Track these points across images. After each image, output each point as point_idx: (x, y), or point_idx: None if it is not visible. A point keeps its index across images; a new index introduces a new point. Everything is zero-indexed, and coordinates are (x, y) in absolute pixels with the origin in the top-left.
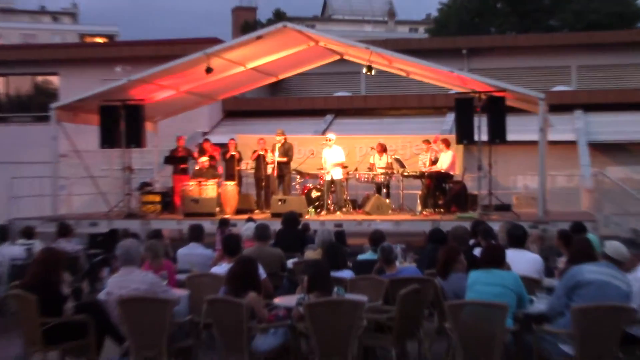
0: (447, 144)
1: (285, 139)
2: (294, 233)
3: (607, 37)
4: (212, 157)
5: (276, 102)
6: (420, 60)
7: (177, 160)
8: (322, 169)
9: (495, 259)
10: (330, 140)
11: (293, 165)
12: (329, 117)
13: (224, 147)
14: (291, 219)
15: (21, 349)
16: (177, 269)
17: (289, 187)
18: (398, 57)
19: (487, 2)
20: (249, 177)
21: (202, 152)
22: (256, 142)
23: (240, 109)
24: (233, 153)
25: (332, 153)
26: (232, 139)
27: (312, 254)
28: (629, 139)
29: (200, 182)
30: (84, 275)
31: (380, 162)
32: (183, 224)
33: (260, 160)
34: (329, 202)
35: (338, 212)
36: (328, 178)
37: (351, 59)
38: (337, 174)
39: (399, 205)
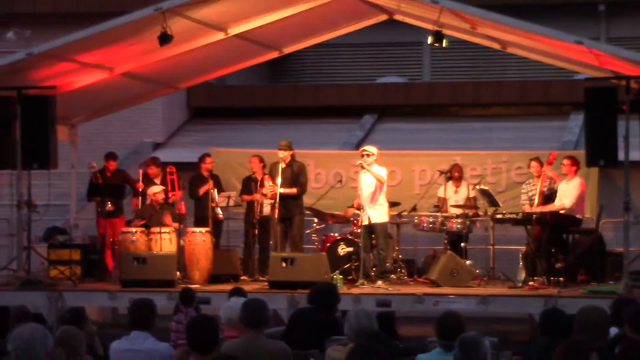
0: (572, 166)
1: (293, 156)
2: (323, 319)
3: None
4: (171, 186)
5: (279, 93)
6: (525, 23)
7: (107, 191)
8: (356, 207)
9: None
10: (368, 156)
11: (307, 200)
12: (368, 119)
13: (191, 169)
14: (325, 295)
15: None
16: None
17: (300, 239)
18: (488, 18)
19: None
20: (232, 221)
21: (149, 179)
22: (246, 161)
23: (217, 106)
24: (205, 177)
25: (367, 179)
26: (207, 156)
27: (339, 353)
28: None
29: (148, 228)
30: None
31: (457, 196)
32: (120, 299)
33: (251, 193)
34: (369, 263)
35: (381, 282)
36: (365, 221)
37: (407, 20)
38: (380, 215)
39: (488, 270)
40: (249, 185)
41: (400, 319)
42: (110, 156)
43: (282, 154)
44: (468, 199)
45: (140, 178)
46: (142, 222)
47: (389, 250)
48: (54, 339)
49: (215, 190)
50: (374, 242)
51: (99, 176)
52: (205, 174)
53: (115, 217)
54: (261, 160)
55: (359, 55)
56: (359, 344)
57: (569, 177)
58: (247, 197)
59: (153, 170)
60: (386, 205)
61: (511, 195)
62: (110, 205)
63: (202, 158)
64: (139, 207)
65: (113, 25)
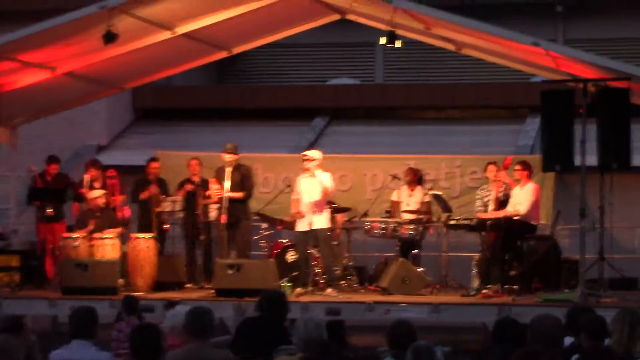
0: (528, 171)
1: (237, 160)
2: (272, 328)
3: None
4: (110, 190)
5: (226, 94)
6: (481, 24)
7: (48, 195)
8: (298, 212)
9: None
10: (309, 162)
11: (255, 205)
12: (319, 122)
13: (137, 172)
14: (274, 303)
15: None
16: None
17: (247, 244)
18: (443, 18)
19: None
20: (178, 226)
21: (92, 182)
22: (187, 165)
23: (163, 107)
24: (150, 181)
25: (310, 184)
26: (152, 160)
27: None
28: None
29: (90, 234)
30: None
31: (412, 200)
32: (60, 306)
33: (195, 198)
34: (317, 270)
35: (329, 289)
36: (304, 227)
37: (360, 20)
38: (323, 221)
39: (441, 277)
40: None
41: (351, 327)
42: (52, 159)
43: (228, 157)
44: (422, 204)
45: (83, 183)
46: (92, 228)
47: (337, 256)
48: None
49: (164, 196)
50: (316, 249)
51: (39, 180)
52: (151, 178)
53: (55, 222)
54: (200, 163)
55: (311, 56)
56: (306, 356)
57: (522, 183)
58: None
59: (93, 173)
60: (328, 211)
61: (465, 200)
62: (50, 210)
63: (147, 162)
64: (81, 212)
65: (56, 23)
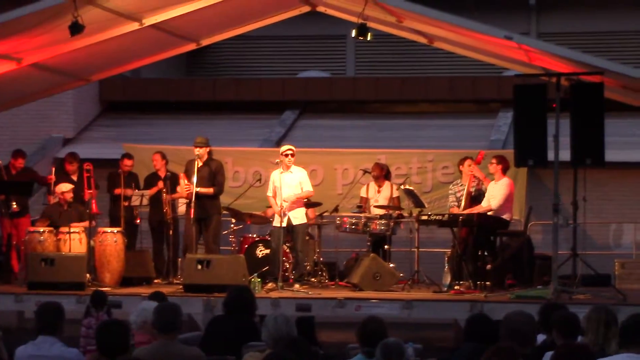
0: (502, 165)
1: (210, 153)
2: (241, 326)
3: None
4: (87, 183)
5: (196, 87)
6: (453, 17)
7: (13, 190)
8: (280, 208)
9: None
10: (286, 157)
11: (224, 200)
12: (289, 115)
13: (102, 166)
14: (241, 302)
15: None
16: None
17: (215, 239)
18: (414, 11)
19: None
20: (146, 220)
21: (62, 176)
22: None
23: (131, 99)
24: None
25: (290, 180)
26: (126, 157)
27: (255, 359)
28: None
29: (56, 228)
30: None
31: (380, 196)
32: (25, 302)
33: (160, 193)
34: (287, 266)
35: (297, 285)
36: (283, 223)
37: (331, 12)
38: (301, 216)
39: (412, 273)
40: (153, 183)
41: (321, 324)
42: (19, 154)
43: (198, 151)
44: (391, 199)
45: (53, 171)
46: (46, 223)
47: (309, 252)
48: None
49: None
50: (290, 244)
51: (4, 173)
52: (121, 173)
53: (20, 217)
54: (163, 157)
55: (281, 49)
56: (274, 352)
57: (497, 177)
58: (153, 191)
59: (72, 166)
60: (304, 207)
61: (437, 195)
62: (15, 206)
63: (121, 158)
64: (48, 206)
65: (21, 13)
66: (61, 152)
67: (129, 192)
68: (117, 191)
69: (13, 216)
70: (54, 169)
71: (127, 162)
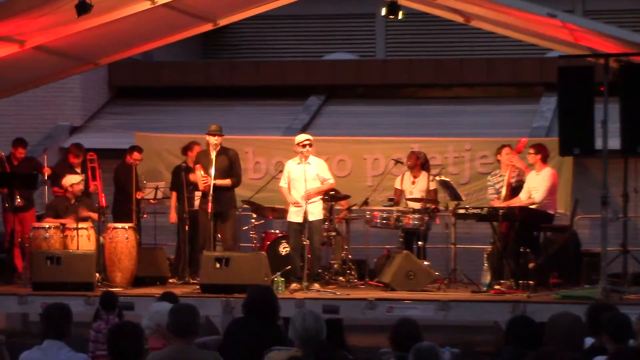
0: (542, 155)
1: (221, 142)
2: (263, 329)
3: None
4: (92, 174)
5: (212, 71)
6: None
7: (16, 182)
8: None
9: None
10: (304, 148)
11: (242, 192)
12: (314, 101)
13: (112, 156)
14: (263, 304)
15: None
16: None
17: (234, 236)
18: None
19: None
20: (161, 215)
21: (66, 168)
22: (175, 147)
23: (142, 85)
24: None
25: (309, 172)
26: (137, 150)
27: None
28: None
29: (63, 224)
30: None
31: (415, 188)
32: (30, 303)
33: (179, 185)
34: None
35: (316, 285)
36: (298, 219)
37: None
38: (318, 212)
39: (449, 272)
40: (180, 177)
41: (350, 327)
42: (19, 143)
43: (213, 140)
44: (427, 191)
45: (59, 166)
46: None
47: (337, 249)
48: None
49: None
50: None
51: (6, 165)
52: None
53: (24, 212)
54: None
55: (305, 29)
56: (311, 349)
57: (537, 168)
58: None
59: (75, 159)
60: (321, 201)
61: (475, 187)
62: (19, 200)
63: (131, 150)
64: (53, 200)
65: None
66: (68, 141)
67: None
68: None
69: (17, 211)
70: (60, 162)
71: (138, 155)
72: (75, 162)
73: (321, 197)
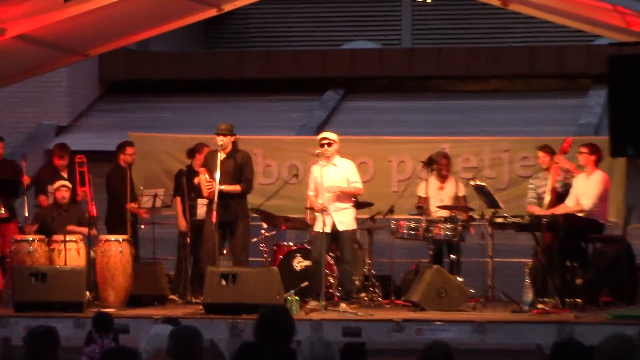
0: (596, 156)
1: (235, 143)
2: (276, 354)
3: None
4: (80, 180)
5: (218, 62)
6: None
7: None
8: (311, 208)
9: None
10: (329, 146)
11: (251, 199)
12: (331, 96)
13: (103, 159)
14: (276, 325)
15: None
16: None
17: (244, 248)
18: None
19: None
20: (159, 226)
21: (51, 172)
22: (175, 149)
23: (138, 78)
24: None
25: (334, 174)
26: (128, 145)
27: None
28: None
29: (48, 236)
30: None
31: (443, 194)
32: (12, 326)
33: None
34: (331, 281)
35: (344, 305)
36: (326, 228)
37: None
38: (348, 221)
39: (485, 289)
40: (181, 182)
41: (373, 352)
42: None
43: (221, 140)
44: (457, 198)
45: (43, 170)
46: (35, 228)
47: (358, 264)
48: None
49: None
50: (335, 253)
51: None
52: (125, 166)
53: (6, 223)
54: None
55: (321, 15)
56: None
57: (588, 170)
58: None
59: (61, 161)
60: (353, 208)
61: (515, 193)
62: (3, 211)
63: (122, 147)
64: (39, 210)
65: None
66: (53, 143)
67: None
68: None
69: None
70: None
71: (130, 149)
72: (61, 163)
73: (352, 204)
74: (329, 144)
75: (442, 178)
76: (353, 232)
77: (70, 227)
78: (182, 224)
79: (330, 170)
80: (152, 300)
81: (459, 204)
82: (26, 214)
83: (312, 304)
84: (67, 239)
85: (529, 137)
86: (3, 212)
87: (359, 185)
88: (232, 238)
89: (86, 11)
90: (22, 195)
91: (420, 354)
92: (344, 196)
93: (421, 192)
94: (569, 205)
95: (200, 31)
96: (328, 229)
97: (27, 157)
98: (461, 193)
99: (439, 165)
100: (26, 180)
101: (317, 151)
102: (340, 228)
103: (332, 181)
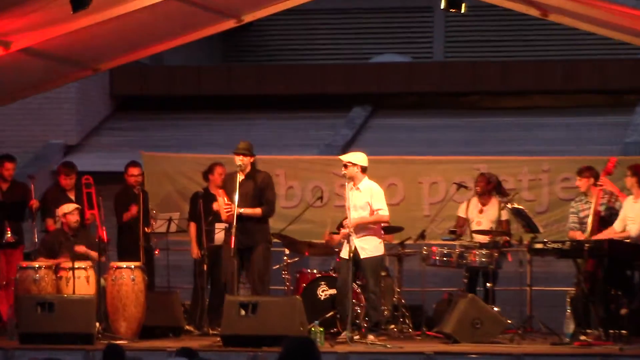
0: (633, 177)
1: (252, 164)
2: None
3: None
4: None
5: (236, 77)
6: None
7: (4, 212)
8: (336, 232)
9: None
10: (344, 168)
11: (273, 224)
12: (358, 112)
13: (115, 181)
14: (302, 358)
15: None
16: None
17: (264, 276)
18: None
19: None
20: (173, 254)
21: (57, 193)
22: (190, 169)
23: (151, 94)
24: (135, 193)
25: (357, 199)
26: (132, 165)
27: None
28: None
29: (57, 263)
30: None
31: (483, 217)
32: (18, 359)
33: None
34: (358, 310)
35: (372, 336)
36: (345, 255)
37: None
38: (371, 248)
39: (524, 320)
40: (197, 205)
41: None
42: (6, 158)
43: (240, 160)
44: (499, 222)
45: (50, 192)
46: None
47: (387, 293)
48: None
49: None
50: (361, 282)
51: None
52: (135, 189)
53: (12, 248)
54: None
55: (347, 27)
56: None
57: (636, 194)
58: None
59: (67, 180)
60: (379, 234)
61: (555, 216)
62: (9, 235)
63: (125, 168)
64: (46, 235)
65: None
66: (59, 163)
67: (133, 209)
68: (127, 215)
69: (4, 247)
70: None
71: (134, 170)
72: (67, 183)
73: (378, 229)
74: (345, 166)
75: (484, 200)
76: (378, 258)
77: (78, 248)
78: (195, 252)
79: (354, 195)
80: (167, 332)
81: (501, 229)
82: (36, 239)
83: (341, 336)
84: (76, 266)
85: (571, 157)
86: (9, 236)
87: (383, 212)
88: (251, 265)
89: (96, 23)
90: (30, 219)
91: None
92: (369, 222)
93: (461, 212)
94: (617, 229)
95: (218, 44)
96: (346, 256)
97: (34, 178)
98: (504, 217)
99: (480, 186)
100: (34, 203)
101: (343, 172)
102: (363, 255)
103: (353, 207)
